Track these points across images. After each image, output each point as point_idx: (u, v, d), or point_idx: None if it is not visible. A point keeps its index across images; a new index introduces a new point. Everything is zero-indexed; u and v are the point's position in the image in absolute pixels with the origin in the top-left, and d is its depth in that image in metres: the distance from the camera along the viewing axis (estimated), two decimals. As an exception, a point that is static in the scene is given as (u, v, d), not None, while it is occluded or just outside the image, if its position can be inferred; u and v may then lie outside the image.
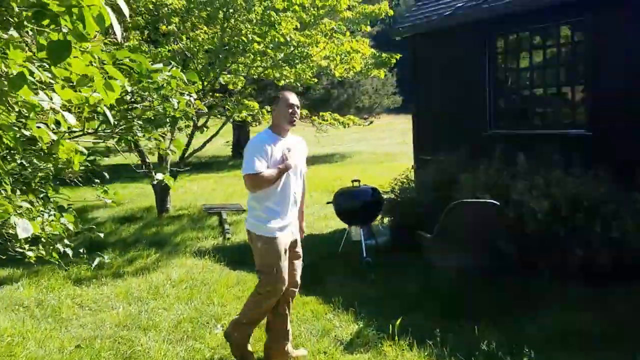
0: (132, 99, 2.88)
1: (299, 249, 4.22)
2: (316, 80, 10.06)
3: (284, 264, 3.91)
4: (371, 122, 21.58)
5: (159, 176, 2.88)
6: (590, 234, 4.73)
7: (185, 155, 10.31)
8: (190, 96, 2.88)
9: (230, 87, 10.76)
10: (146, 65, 2.60)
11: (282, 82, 10.99)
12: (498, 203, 4.60)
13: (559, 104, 6.83)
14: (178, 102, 2.72)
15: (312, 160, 21.33)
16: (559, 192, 5.02)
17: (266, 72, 9.92)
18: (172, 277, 6.36)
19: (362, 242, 6.67)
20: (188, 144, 10.11)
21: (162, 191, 10.47)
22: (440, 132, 8.56)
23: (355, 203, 6.81)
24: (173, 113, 2.81)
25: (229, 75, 10.66)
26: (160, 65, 2.65)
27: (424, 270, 5.55)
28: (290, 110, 3.94)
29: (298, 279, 4.18)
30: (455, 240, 4.59)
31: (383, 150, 22.47)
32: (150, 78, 2.68)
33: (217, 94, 10.76)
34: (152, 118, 2.92)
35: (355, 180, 7.01)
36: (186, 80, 2.68)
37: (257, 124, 20.82)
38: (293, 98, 3.98)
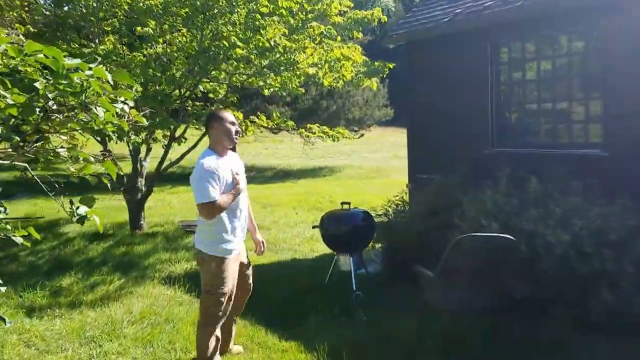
0: (50, 107, 2.14)
1: (246, 259, 4.29)
2: (303, 90, 9.34)
3: (234, 283, 3.99)
4: (362, 135, 20.91)
5: (81, 210, 2.13)
6: (620, 275, 4.02)
7: (162, 168, 9.56)
8: (126, 104, 2.15)
9: (212, 95, 10.03)
10: (61, 60, 1.88)
11: (267, 91, 10.31)
12: (513, 238, 3.88)
13: (571, 119, 6.14)
14: (104, 112, 1.98)
15: (298, 175, 20.65)
16: (580, 223, 4.32)
17: (250, 80, 9.21)
18: (134, 310, 5.58)
19: (352, 273, 5.92)
20: (164, 156, 9.35)
21: (136, 206, 9.69)
22: (438, 149, 7.86)
23: (344, 229, 6.06)
24: (100, 126, 2.08)
25: (211, 83, 9.96)
26: (77, 61, 1.91)
27: (421, 308, 4.81)
28: (234, 129, 3.96)
29: (250, 284, 4.38)
30: (460, 279, 3.87)
31: (374, 164, 21.79)
32: (66, 79, 1.94)
33: (198, 103, 10.02)
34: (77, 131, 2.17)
35: (345, 203, 6.26)
36: (112, 82, 1.94)
37: (241, 135, 20.11)
38: (232, 116, 4.02)
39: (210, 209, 3.72)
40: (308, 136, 10.38)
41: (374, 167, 20.61)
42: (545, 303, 4.23)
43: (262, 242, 4.49)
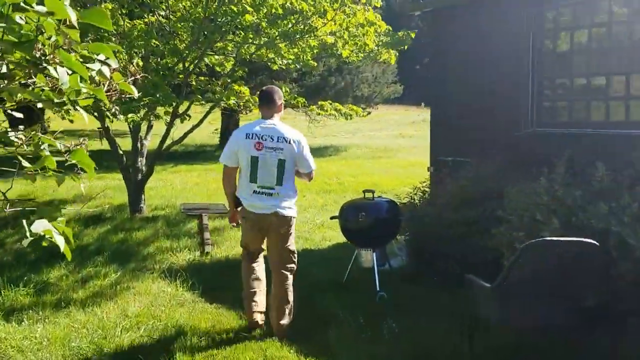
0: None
1: None
2: (315, 64, 8.52)
3: None
4: (369, 113, 20.10)
5: (38, 227, 1.39)
6: None
7: (164, 147, 8.81)
8: (106, 64, 1.40)
9: (218, 69, 9.24)
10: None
11: (276, 66, 9.51)
12: (597, 243, 3.14)
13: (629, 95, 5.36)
14: (69, 75, 1.24)
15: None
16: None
17: (259, 52, 8.41)
18: (130, 311, 4.88)
19: (374, 270, 5.20)
20: (166, 134, 8.59)
21: (136, 188, 8.96)
22: (466, 129, 7.08)
23: (367, 221, 5.31)
24: (62, 97, 1.33)
25: (216, 57, 9.17)
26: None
27: (472, 326, 4.09)
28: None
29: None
30: (526, 291, 3.15)
31: (380, 143, 21.00)
32: (7, 21, 1.20)
33: (203, 77, 9.23)
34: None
35: (368, 191, 5.51)
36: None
37: (248, 111, 19.36)
38: None
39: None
40: (319, 114, 9.58)
41: (380, 147, 19.84)
42: (624, 315, 3.52)
43: None
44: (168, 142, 8.71)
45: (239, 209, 4.36)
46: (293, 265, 4.31)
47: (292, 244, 4.29)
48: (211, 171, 14.21)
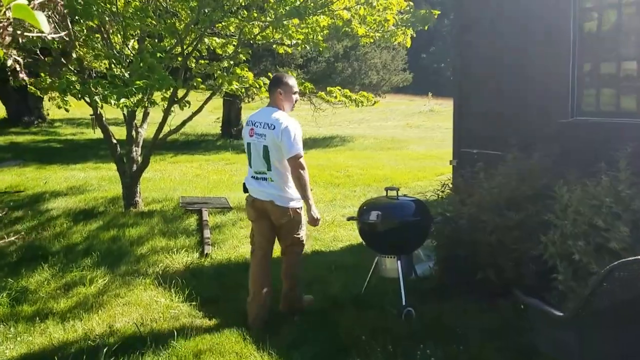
0: None
1: None
2: (326, 45, 7.76)
3: None
4: (375, 102, 19.29)
5: None
6: None
7: (160, 136, 8.12)
8: None
9: (219, 51, 8.51)
10: None
11: (282, 49, 8.78)
12: None
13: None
14: None
15: (308, 145, 19.07)
16: None
17: (264, 33, 7.69)
18: (116, 327, 4.21)
19: (400, 282, 4.50)
20: (163, 122, 7.89)
21: (131, 180, 8.28)
22: (494, 117, 6.39)
23: (392, 224, 4.60)
24: None
25: (217, 40, 8.45)
26: None
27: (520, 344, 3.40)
28: (296, 98, 4.27)
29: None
30: (619, 324, 2.47)
31: (388, 134, 20.27)
32: None
33: (203, 61, 8.52)
34: None
35: (392, 189, 4.79)
36: None
37: (250, 99, 18.57)
38: (296, 84, 4.29)
39: (303, 161, 4.10)
40: (329, 101, 8.87)
41: (388, 137, 19.11)
42: None
43: None
44: (165, 130, 8.01)
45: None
46: (300, 248, 4.42)
47: (300, 233, 4.34)
48: (212, 162, 13.52)
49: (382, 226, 4.61)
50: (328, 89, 8.89)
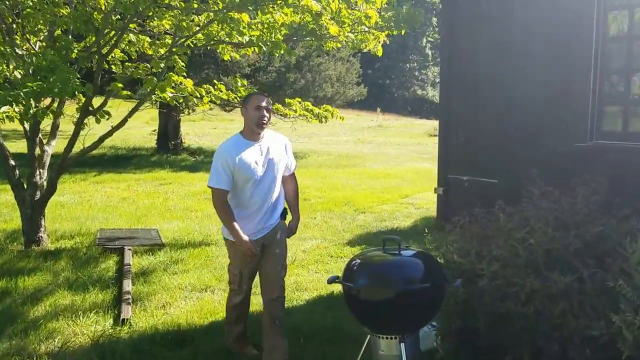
0: None
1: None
2: (285, 46, 6.22)
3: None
4: (342, 118, 17.95)
5: None
6: None
7: (69, 155, 6.42)
8: None
9: (149, 51, 6.90)
10: None
11: (228, 55, 7.29)
12: None
13: None
14: None
15: (256, 160, 17.40)
16: None
17: (207, 30, 6.15)
18: None
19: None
20: (74, 138, 6.21)
21: (33, 210, 6.52)
22: (491, 139, 5.16)
23: (391, 292, 3.15)
24: None
25: (149, 40, 6.88)
26: None
27: None
28: (259, 114, 3.67)
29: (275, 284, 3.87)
30: None
31: (341, 149, 18.90)
32: None
33: (130, 63, 6.86)
34: None
35: (390, 239, 3.32)
36: None
37: (190, 111, 16.82)
38: (262, 100, 3.74)
39: (215, 194, 3.71)
40: (287, 115, 7.41)
41: (342, 153, 17.74)
42: None
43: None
44: (78, 147, 6.33)
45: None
46: (230, 289, 4.03)
47: (230, 269, 3.99)
48: (144, 182, 11.73)
49: (379, 294, 3.17)
50: (287, 101, 7.45)
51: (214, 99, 6.55)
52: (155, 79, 5.85)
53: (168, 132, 16.48)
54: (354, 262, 3.37)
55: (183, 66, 6.41)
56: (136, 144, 17.82)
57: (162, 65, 5.87)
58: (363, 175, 13.44)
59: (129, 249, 6.40)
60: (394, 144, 21.97)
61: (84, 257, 6.26)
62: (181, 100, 6.71)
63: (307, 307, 5.10)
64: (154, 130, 18.55)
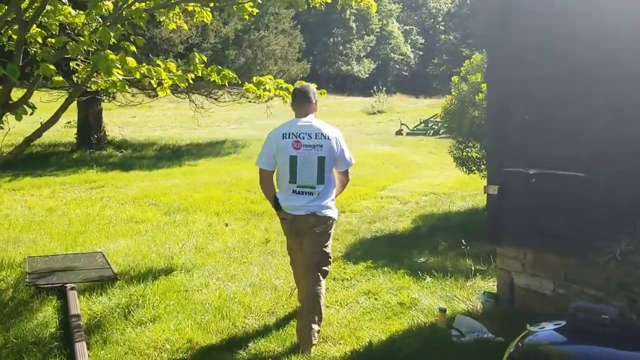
0: None
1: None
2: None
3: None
4: (322, 93, 16.31)
5: None
6: None
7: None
8: None
9: (76, 20, 5.19)
10: None
11: (173, 24, 5.85)
12: None
13: None
14: None
15: (192, 152, 15.65)
16: None
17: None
18: None
19: None
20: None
21: None
22: (574, 118, 3.92)
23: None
24: None
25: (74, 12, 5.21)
26: None
27: None
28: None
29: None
30: None
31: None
32: None
33: (53, 39, 5.13)
34: None
35: (587, 309, 2.01)
36: None
37: (111, 98, 14.76)
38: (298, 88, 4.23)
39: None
40: (259, 96, 6.03)
41: (286, 139, 16.26)
42: None
43: None
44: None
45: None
46: (327, 268, 4.09)
47: (329, 247, 4.07)
48: (71, 186, 9.84)
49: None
50: (255, 79, 6.00)
51: (177, 81, 4.97)
52: (96, 58, 4.21)
53: (89, 123, 14.43)
54: (528, 336, 2.00)
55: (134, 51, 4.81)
56: (52, 139, 15.61)
57: (96, 38, 4.24)
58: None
59: (72, 288, 4.77)
60: (334, 124, 20.69)
61: (10, 305, 4.58)
62: (125, 88, 5.06)
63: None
64: (69, 122, 16.39)
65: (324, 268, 4.03)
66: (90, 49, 4.44)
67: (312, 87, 4.20)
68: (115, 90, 4.80)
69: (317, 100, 4.14)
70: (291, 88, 6.10)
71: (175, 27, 6.32)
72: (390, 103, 31.42)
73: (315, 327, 3.85)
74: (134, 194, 8.91)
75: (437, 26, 59.02)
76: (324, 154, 3.89)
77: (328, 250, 4.04)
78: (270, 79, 6.02)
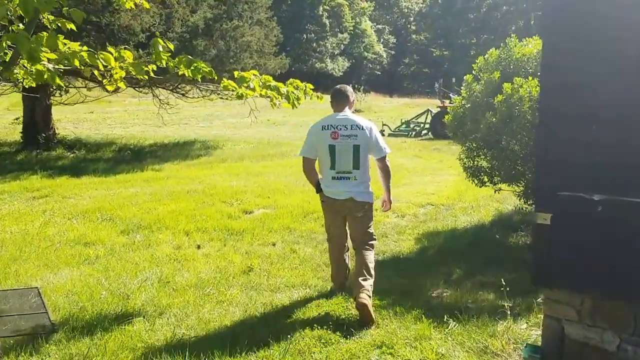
0: None
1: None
2: None
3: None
4: (320, 98, 15.02)
5: None
6: None
7: None
8: None
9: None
10: None
11: (131, 2, 4.62)
12: None
13: None
14: None
15: (157, 154, 14.15)
16: None
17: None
18: None
19: None
20: None
21: None
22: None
23: None
24: None
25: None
26: None
27: None
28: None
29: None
30: None
31: (257, 135, 16.14)
32: None
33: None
34: None
35: None
36: None
37: (63, 93, 13.24)
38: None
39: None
40: (246, 96, 4.77)
41: (262, 140, 15.04)
42: None
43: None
44: None
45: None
46: (373, 242, 4.63)
47: (371, 227, 4.62)
48: (9, 195, 8.38)
49: None
50: (237, 74, 4.77)
51: (134, 72, 3.70)
52: (14, 37, 2.91)
53: (36, 121, 12.91)
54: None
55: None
56: (-3, 136, 14.01)
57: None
58: (299, 167, 10.88)
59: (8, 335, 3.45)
60: (308, 124, 19.61)
61: None
62: (46, 80, 3.75)
63: None
64: (16, 119, 14.82)
65: (370, 242, 4.60)
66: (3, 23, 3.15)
67: (349, 87, 4.83)
68: (41, 82, 3.46)
69: (355, 98, 4.78)
70: (282, 87, 4.92)
71: (133, 6, 5.04)
72: (367, 102, 30.50)
73: (366, 283, 4.29)
74: (84, 207, 7.53)
75: (409, 26, 58.55)
76: (358, 143, 4.43)
77: (371, 230, 4.63)
78: (255, 75, 4.80)
